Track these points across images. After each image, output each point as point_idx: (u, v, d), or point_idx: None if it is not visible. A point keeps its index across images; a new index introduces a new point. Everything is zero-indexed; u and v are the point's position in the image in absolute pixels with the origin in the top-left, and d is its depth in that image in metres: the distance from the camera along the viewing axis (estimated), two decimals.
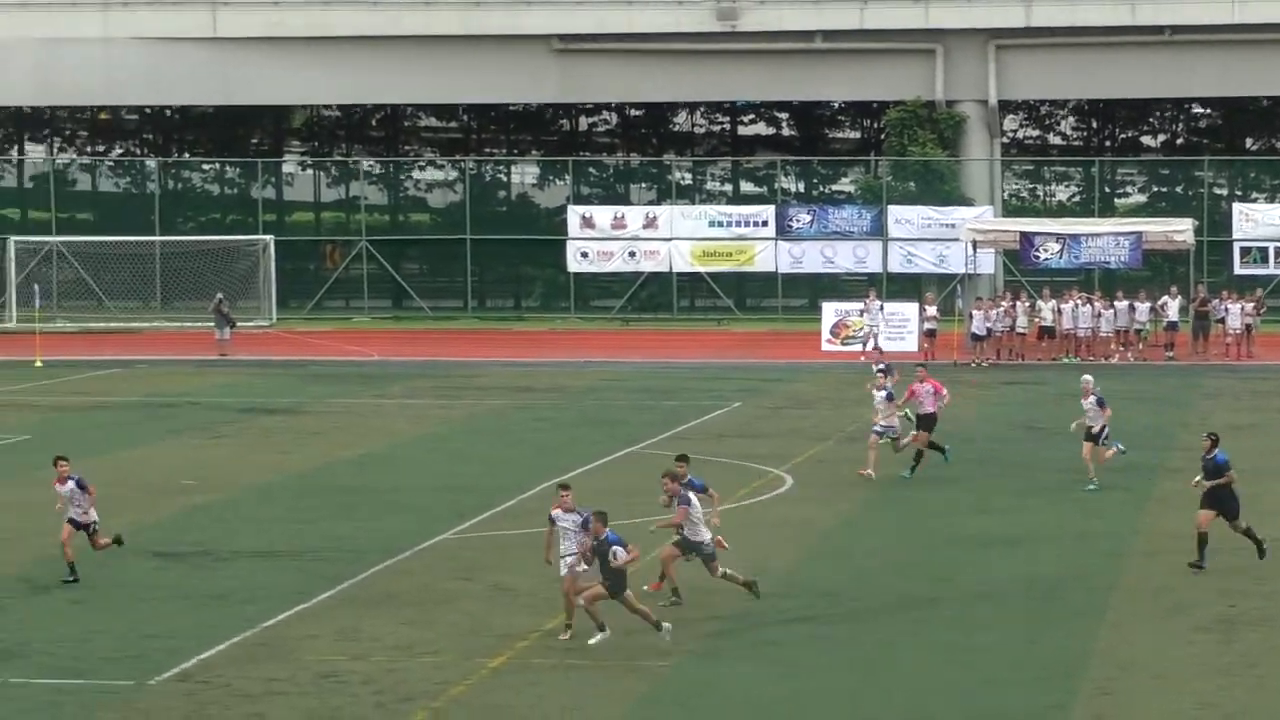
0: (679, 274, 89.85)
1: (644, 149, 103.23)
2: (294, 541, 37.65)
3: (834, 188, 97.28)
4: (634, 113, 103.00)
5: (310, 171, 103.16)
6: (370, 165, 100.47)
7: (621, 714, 26.04)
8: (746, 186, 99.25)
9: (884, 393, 44.29)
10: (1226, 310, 72.91)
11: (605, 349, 77.65)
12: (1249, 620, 30.63)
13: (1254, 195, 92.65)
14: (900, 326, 74.00)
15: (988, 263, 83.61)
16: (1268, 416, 56.22)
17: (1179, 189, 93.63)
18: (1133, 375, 66.53)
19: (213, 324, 77.00)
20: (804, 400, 61.07)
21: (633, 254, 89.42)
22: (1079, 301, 72.34)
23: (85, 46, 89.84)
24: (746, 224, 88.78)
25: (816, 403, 60.28)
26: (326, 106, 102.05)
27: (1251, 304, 73.85)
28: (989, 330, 71.35)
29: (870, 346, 72.41)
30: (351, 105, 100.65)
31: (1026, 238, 75.80)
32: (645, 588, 31.10)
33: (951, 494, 42.70)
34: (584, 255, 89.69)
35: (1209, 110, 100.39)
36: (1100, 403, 42.78)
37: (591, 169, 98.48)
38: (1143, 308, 72.87)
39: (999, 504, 41.70)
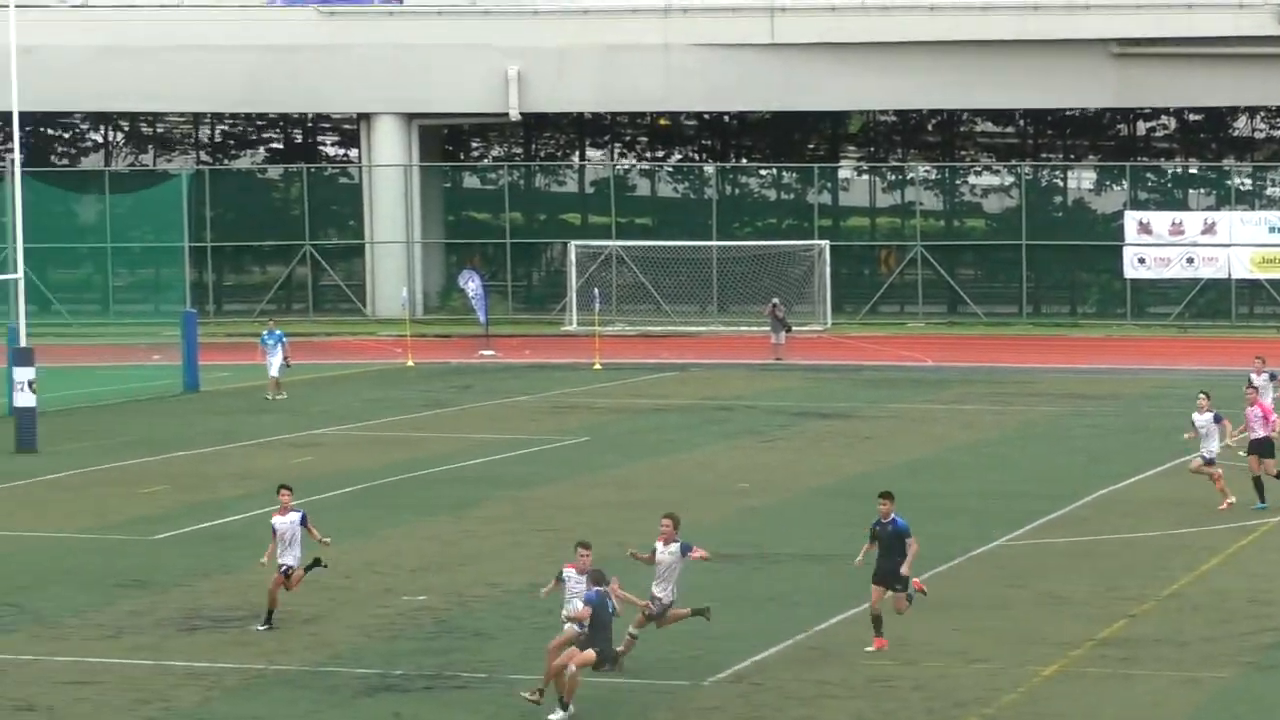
0: (1238, 281, 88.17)
1: (1203, 154, 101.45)
2: (845, 545, 37.71)
3: None
4: (1192, 117, 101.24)
5: (866, 177, 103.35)
6: (926, 171, 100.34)
7: None
8: None
9: None
10: None
11: (1162, 356, 76.33)
12: None
13: None
14: None
15: None
16: None
17: None
18: None
19: (768, 328, 77.70)
20: None
21: (1190, 260, 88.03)
22: None
23: (645, 53, 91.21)
24: None
25: None
26: (883, 112, 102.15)
27: None
28: None
29: None
30: (908, 110, 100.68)
31: None
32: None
33: None
34: (1141, 261, 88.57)
35: None
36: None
37: (1149, 174, 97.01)
38: None
39: None
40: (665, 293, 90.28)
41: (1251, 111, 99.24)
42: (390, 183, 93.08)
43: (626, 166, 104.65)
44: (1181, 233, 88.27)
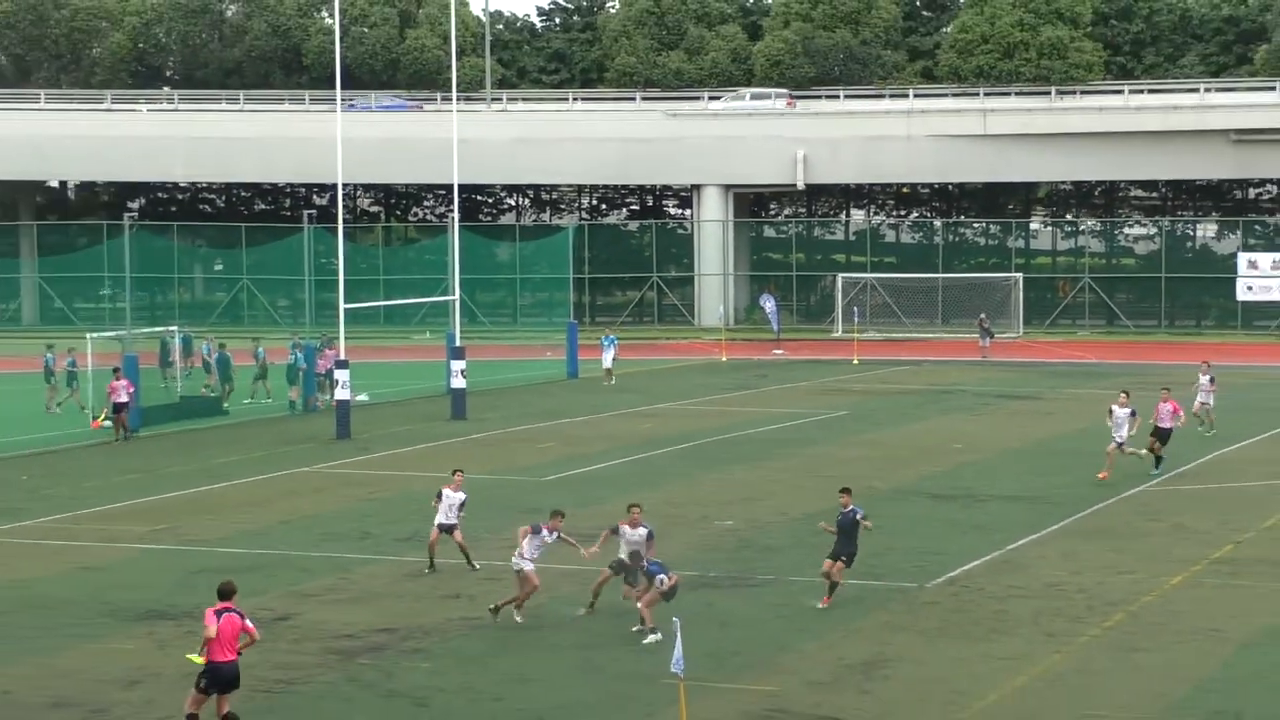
0: None
1: None
2: (1031, 489, 37.25)
3: None
4: None
5: (1049, 228, 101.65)
6: (1093, 224, 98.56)
7: (1272, 622, 24.96)
8: None
9: None
10: None
11: (1263, 357, 74.01)
12: None
13: None
14: None
15: None
16: None
17: None
18: None
19: (978, 336, 76.74)
20: None
21: None
22: None
23: (893, 141, 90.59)
24: None
25: None
26: (1062, 182, 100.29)
27: None
28: None
29: None
30: (1080, 181, 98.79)
31: None
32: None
33: None
34: (1249, 289, 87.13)
35: None
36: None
37: (1257, 225, 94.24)
38: None
39: None
40: (905, 310, 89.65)
41: None
42: (712, 233, 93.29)
43: (879, 221, 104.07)
44: None
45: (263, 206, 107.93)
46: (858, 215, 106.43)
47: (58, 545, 31.28)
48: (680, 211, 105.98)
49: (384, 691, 21.60)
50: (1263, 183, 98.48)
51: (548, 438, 46.80)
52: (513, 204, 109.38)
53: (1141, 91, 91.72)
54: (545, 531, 25.34)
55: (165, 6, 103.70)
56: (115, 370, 47.66)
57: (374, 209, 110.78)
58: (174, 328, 60.00)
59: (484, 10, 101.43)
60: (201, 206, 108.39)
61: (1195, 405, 45.89)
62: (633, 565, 25.03)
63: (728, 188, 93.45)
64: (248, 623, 19.48)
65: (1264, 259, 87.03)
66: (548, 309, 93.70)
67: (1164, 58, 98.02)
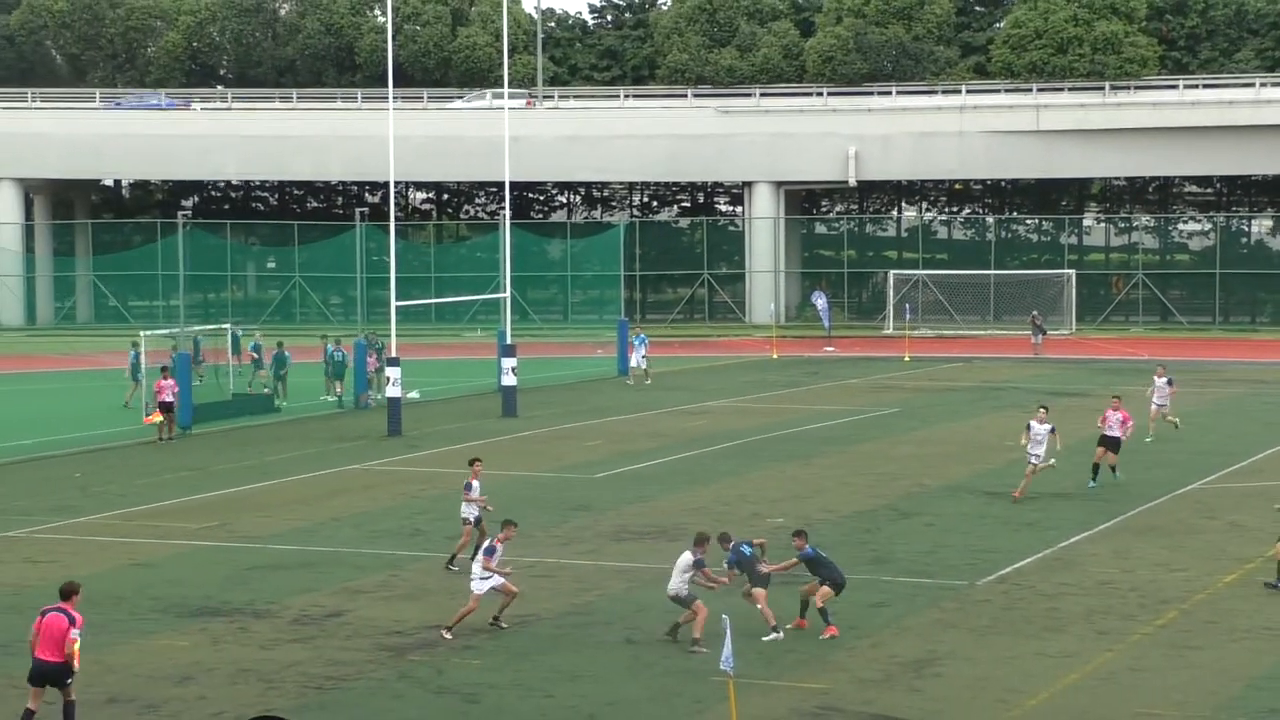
0: None
1: None
2: (1083, 486, 37.00)
3: None
4: None
5: (1103, 224, 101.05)
6: (1147, 220, 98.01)
7: None
8: None
9: None
10: None
11: None
12: None
13: None
14: None
15: None
16: None
17: None
18: None
19: (1030, 332, 76.40)
20: None
21: None
22: None
23: (945, 138, 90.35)
24: None
25: None
26: (1116, 178, 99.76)
27: None
28: None
29: None
30: (1135, 177, 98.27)
31: None
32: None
33: None
34: None
35: None
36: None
37: None
38: None
39: None
40: (956, 307, 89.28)
41: None
42: (764, 230, 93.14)
43: (931, 218, 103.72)
44: None
45: (315, 204, 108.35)
46: (909, 212, 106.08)
47: (109, 542, 31.48)
48: (731, 208, 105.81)
49: (434, 688, 21.64)
50: None
51: (597, 435, 46.80)
52: (564, 201, 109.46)
53: (1196, 86, 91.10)
54: (496, 545, 24.43)
55: (219, 5, 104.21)
56: (163, 369, 47.93)
57: (426, 206, 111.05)
58: (222, 326, 60.25)
59: (536, 7, 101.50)
60: (254, 205, 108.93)
61: (1151, 410, 44.68)
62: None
63: (779, 184, 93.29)
64: (74, 631, 19.15)
65: None
66: (599, 306, 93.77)
67: (1219, 52, 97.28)
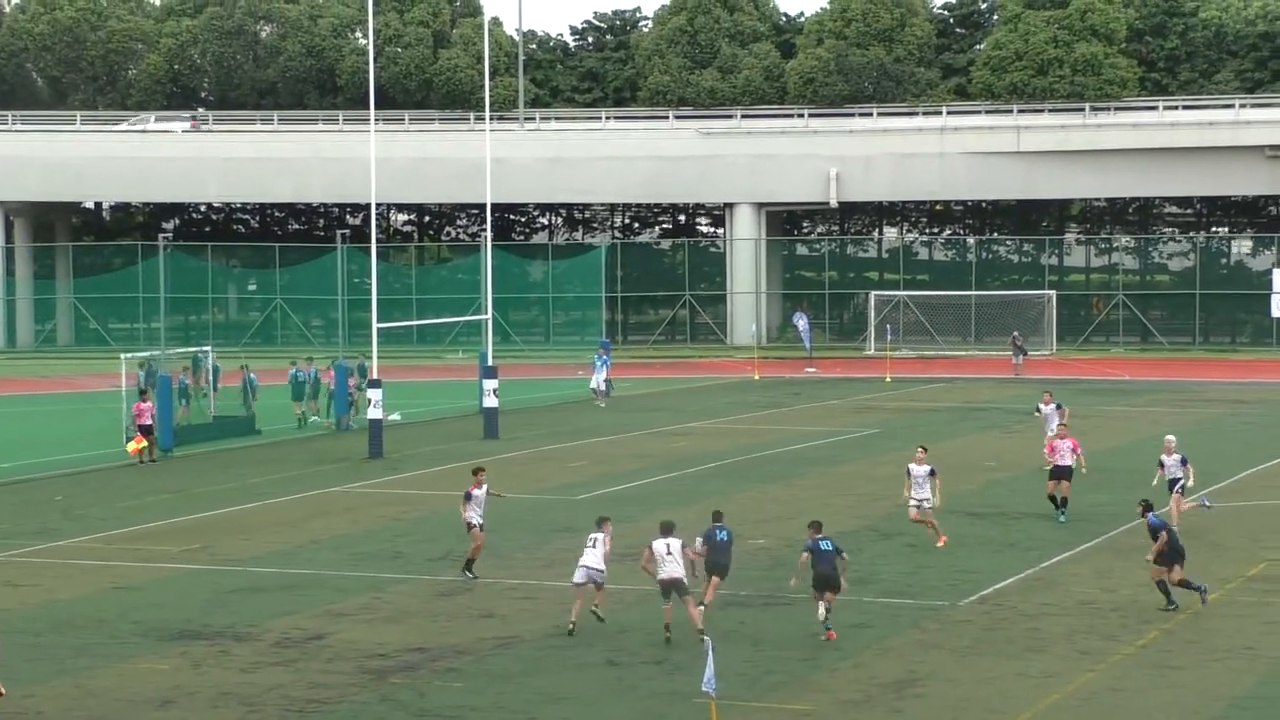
0: None
1: None
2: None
3: None
4: None
5: (1083, 245, 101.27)
6: (1127, 241, 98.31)
7: None
8: None
9: None
10: None
11: None
12: None
13: None
14: None
15: None
16: None
17: None
18: None
19: (1010, 353, 76.52)
20: None
21: None
22: None
23: (926, 159, 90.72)
24: None
25: None
26: (1096, 199, 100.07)
27: None
28: None
29: None
30: (1115, 198, 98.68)
31: None
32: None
33: None
34: None
35: None
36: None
37: None
38: None
39: None
40: (937, 328, 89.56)
41: None
42: (745, 251, 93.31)
43: (912, 239, 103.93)
44: None
45: (296, 226, 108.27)
46: (890, 233, 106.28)
47: (90, 565, 31.40)
48: (713, 230, 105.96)
49: (416, 711, 21.61)
50: None
51: (579, 456, 46.80)
52: (545, 223, 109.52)
53: (1176, 108, 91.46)
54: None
55: (200, 28, 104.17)
56: (142, 393, 47.81)
57: (407, 228, 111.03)
58: (203, 348, 60.14)
59: (517, 30, 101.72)
60: (235, 227, 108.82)
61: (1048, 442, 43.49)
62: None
63: (760, 206, 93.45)
64: None
65: None
66: (580, 328, 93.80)
67: (1199, 74, 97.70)
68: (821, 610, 24.99)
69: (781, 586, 28.29)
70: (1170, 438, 34.85)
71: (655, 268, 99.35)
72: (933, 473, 32.50)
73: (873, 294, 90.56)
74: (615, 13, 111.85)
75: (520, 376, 69.93)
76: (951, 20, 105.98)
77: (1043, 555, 31.39)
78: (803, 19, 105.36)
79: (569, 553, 31.91)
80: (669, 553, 25.06)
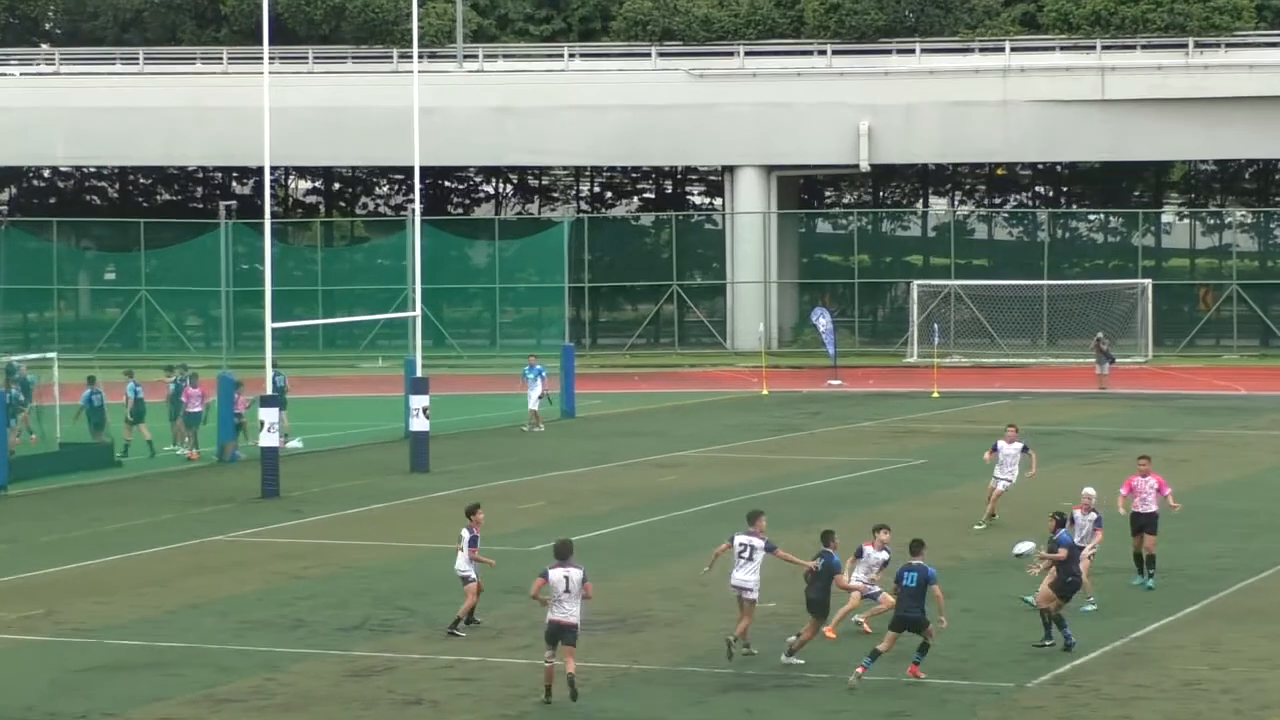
0: None
1: None
2: (1165, 559, 37.02)
3: None
4: None
5: (1186, 221, 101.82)
6: (1243, 215, 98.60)
7: None
8: None
9: None
10: None
11: None
12: None
13: None
14: None
15: None
16: None
17: None
18: None
19: (1093, 360, 76.78)
20: None
21: None
22: None
23: (985, 109, 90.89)
24: None
25: None
26: (1203, 161, 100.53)
27: None
28: None
29: None
30: (1226, 160, 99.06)
31: None
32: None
33: None
34: None
35: None
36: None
37: None
38: None
39: None
40: (999, 327, 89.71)
41: None
42: (750, 228, 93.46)
43: (966, 212, 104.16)
44: None
45: (167, 197, 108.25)
46: (938, 205, 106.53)
47: None
48: (708, 201, 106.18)
49: None
50: None
51: (534, 495, 46.77)
52: (491, 191, 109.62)
53: None
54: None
55: None
56: None
57: (311, 199, 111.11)
58: (46, 355, 60.02)
59: None
60: (89, 198, 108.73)
61: (992, 487, 41.67)
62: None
63: (770, 169, 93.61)
64: None
65: None
66: (536, 328, 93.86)
67: None
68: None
69: (805, 662, 28.32)
70: (1089, 490, 33.99)
71: (634, 250, 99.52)
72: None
73: (915, 284, 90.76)
74: None
75: (458, 392, 69.89)
76: None
77: (1136, 623, 31.46)
78: None
79: (520, 620, 31.96)
80: (566, 589, 25.15)
